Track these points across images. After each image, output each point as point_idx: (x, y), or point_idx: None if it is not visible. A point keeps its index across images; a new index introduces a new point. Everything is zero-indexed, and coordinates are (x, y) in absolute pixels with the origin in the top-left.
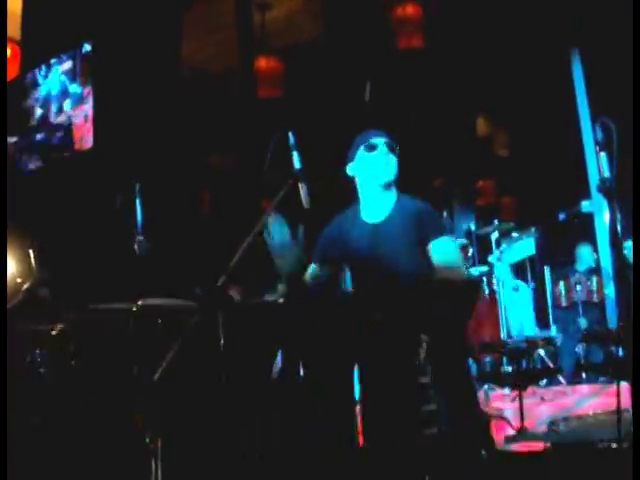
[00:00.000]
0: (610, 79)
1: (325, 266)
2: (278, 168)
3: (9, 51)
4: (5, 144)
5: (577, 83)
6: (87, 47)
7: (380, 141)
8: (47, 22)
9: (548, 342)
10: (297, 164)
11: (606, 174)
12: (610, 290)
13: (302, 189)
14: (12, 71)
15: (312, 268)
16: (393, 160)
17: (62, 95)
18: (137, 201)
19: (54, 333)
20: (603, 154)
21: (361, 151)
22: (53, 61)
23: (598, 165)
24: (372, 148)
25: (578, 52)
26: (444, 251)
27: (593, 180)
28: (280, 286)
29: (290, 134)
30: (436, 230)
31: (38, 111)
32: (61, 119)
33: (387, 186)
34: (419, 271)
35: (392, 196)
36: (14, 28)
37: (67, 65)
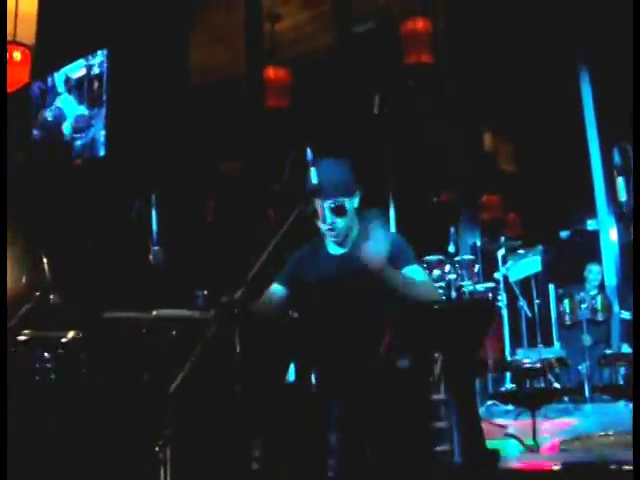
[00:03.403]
0: (618, 95)
1: (289, 289)
2: (295, 183)
3: (19, 55)
4: (5, 145)
5: (585, 100)
6: (96, 69)
7: (325, 205)
8: (63, 27)
9: (562, 362)
10: (314, 180)
11: (623, 198)
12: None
13: (319, 205)
14: (23, 76)
15: (276, 289)
16: (342, 223)
17: (63, 118)
18: (153, 211)
19: (65, 340)
20: (620, 178)
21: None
22: (61, 78)
23: (609, 188)
24: (317, 213)
25: (587, 69)
26: (415, 275)
27: (599, 198)
28: None
29: (308, 150)
30: (404, 259)
31: (44, 129)
32: (65, 140)
33: (339, 243)
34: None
35: (354, 231)
36: (28, 32)
37: (75, 84)
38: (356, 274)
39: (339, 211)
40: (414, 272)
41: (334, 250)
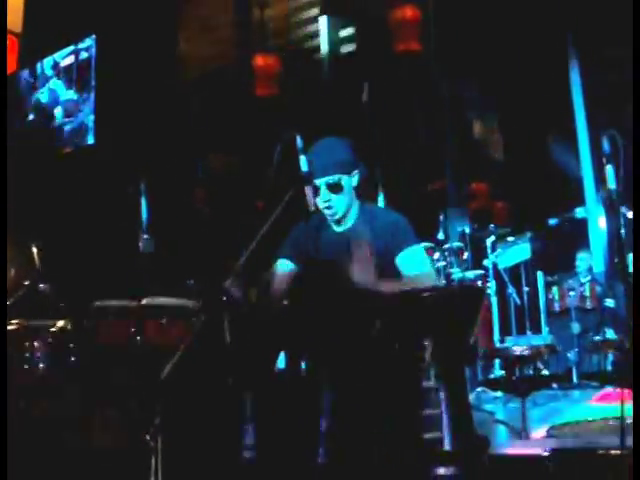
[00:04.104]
0: (607, 83)
1: (295, 262)
2: (284, 171)
3: (7, 43)
4: (5, 143)
5: (574, 87)
6: (84, 54)
7: (322, 183)
8: (50, 15)
9: (551, 349)
10: (304, 167)
11: (612, 186)
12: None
13: (308, 192)
14: (10, 64)
15: (283, 264)
16: (338, 201)
17: (56, 102)
18: (142, 199)
19: (54, 329)
20: (609, 166)
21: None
22: (49, 63)
23: (598, 176)
24: (316, 190)
25: (576, 57)
26: (412, 262)
27: (588, 186)
28: None
29: (298, 137)
30: (404, 242)
31: (32, 115)
32: (55, 124)
33: (337, 221)
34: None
35: (354, 210)
36: (15, 20)
37: (63, 69)
38: (355, 256)
39: (335, 188)
40: (411, 258)
41: (337, 228)
